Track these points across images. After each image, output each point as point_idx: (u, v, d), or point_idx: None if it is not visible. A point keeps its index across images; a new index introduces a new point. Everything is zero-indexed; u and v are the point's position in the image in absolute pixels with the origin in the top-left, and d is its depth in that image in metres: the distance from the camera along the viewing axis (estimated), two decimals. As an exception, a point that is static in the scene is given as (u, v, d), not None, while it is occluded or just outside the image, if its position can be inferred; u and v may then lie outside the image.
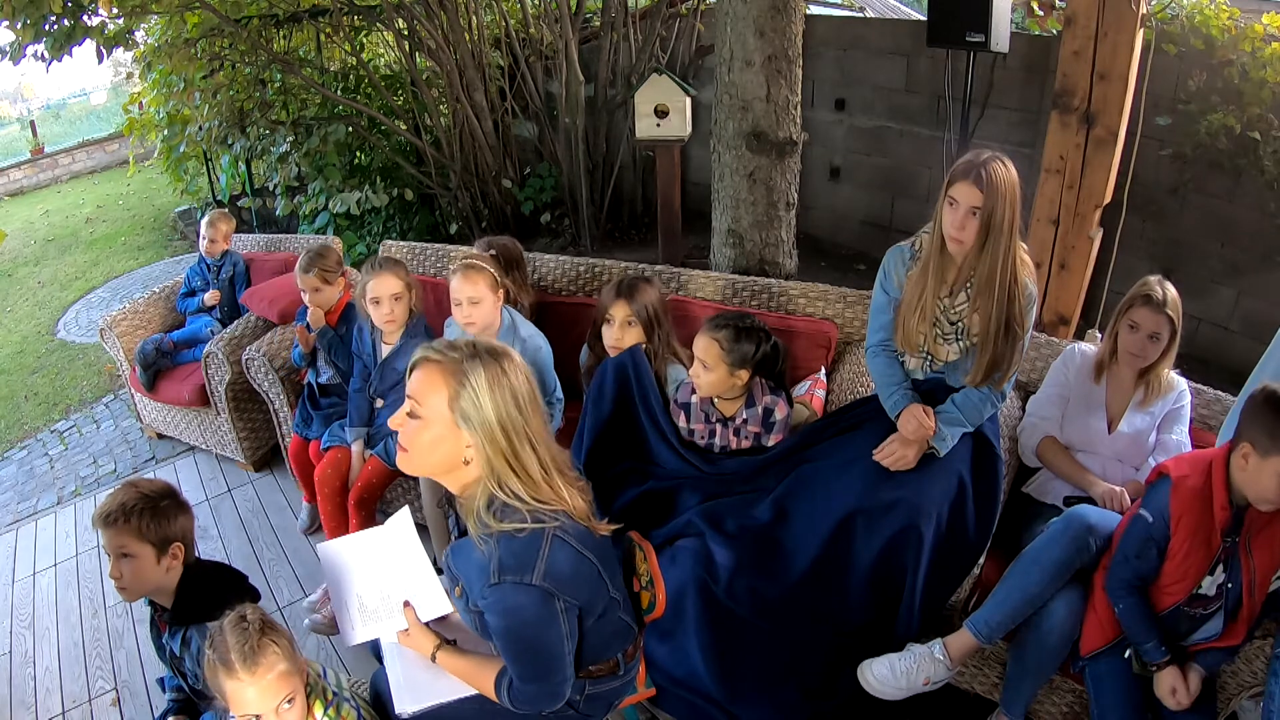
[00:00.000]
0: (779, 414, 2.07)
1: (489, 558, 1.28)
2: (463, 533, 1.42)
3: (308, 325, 2.67)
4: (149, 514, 1.54)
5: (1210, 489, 1.57)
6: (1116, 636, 1.68)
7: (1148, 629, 1.63)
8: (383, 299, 2.38)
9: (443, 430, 1.29)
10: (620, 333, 2.25)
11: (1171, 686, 1.61)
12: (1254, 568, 1.56)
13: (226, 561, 1.94)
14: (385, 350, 2.51)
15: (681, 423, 2.13)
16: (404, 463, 1.34)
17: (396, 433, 2.49)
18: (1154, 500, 1.64)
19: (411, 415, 1.30)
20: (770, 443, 2.09)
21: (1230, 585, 1.59)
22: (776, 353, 2.07)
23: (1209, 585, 1.60)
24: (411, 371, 1.33)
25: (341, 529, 2.44)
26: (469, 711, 1.49)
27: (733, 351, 1.98)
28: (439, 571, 1.52)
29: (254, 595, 1.66)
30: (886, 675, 1.73)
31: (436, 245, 3.10)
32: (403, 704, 1.48)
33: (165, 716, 1.68)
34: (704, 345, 2.01)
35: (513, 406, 1.29)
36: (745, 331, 2.00)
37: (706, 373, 2.01)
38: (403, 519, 1.57)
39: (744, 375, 2.02)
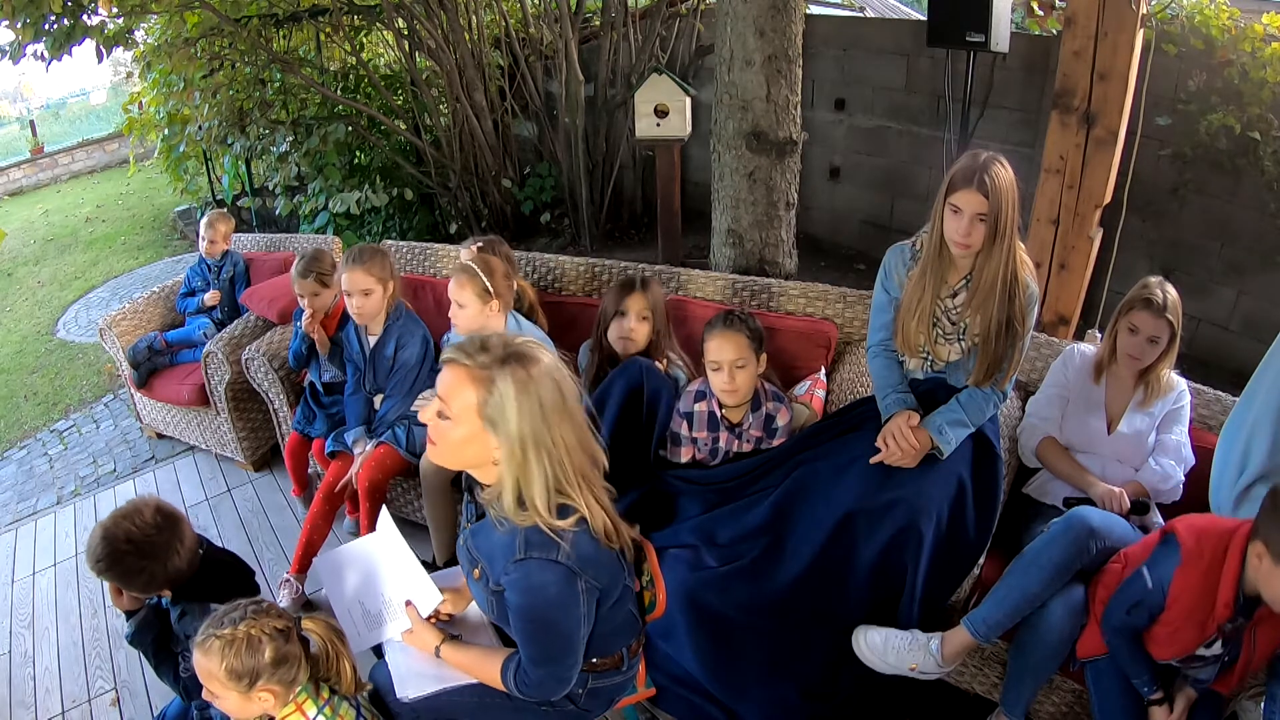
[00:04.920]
0: (781, 420, 2.07)
1: (513, 535, 1.30)
2: (479, 516, 1.44)
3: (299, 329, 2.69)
4: (142, 575, 1.54)
5: (1219, 576, 1.49)
6: None
7: (1139, 667, 1.63)
8: (353, 293, 2.41)
9: (471, 431, 1.29)
10: (635, 324, 2.25)
11: None
12: (1255, 644, 1.53)
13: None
14: (372, 342, 2.52)
15: (685, 431, 2.10)
16: (434, 455, 1.35)
17: (400, 422, 2.46)
18: (1159, 566, 1.57)
19: (440, 415, 1.31)
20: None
21: (1228, 659, 1.57)
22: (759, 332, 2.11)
23: (1205, 652, 1.58)
24: (442, 370, 1.32)
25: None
26: (468, 701, 1.51)
27: (754, 338, 2.00)
28: (432, 566, 1.53)
29: (255, 590, 1.67)
30: (878, 645, 1.74)
31: (436, 245, 3.11)
32: (404, 690, 1.50)
33: (165, 714, 1.68)
34: (733, 345, 1.97)
35: (538, 419, 1.27)
36: (745, 318, 2.04)
37: (743, 372, 1.99)
38: (384, 521, 1.61)
39: (764, 360, 2.05)
